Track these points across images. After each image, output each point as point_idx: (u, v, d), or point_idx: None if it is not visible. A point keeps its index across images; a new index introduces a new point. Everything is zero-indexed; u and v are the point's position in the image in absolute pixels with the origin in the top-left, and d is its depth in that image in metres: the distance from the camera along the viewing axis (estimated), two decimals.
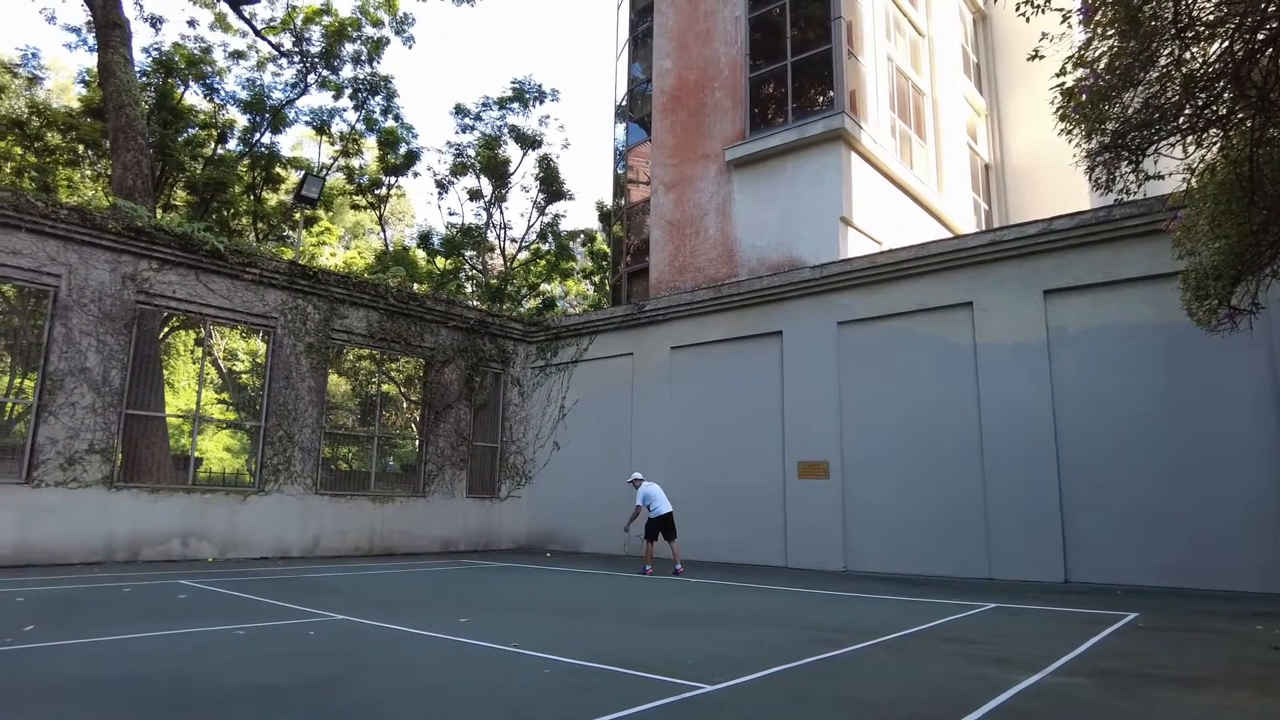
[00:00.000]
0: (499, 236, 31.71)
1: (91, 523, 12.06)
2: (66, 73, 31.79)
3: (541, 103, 29.99)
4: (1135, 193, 7.93)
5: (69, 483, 11.88)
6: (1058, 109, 6.87)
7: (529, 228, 31.93)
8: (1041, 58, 6.73)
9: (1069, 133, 7.04)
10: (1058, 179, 22.90)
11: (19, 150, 23.87)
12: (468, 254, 31.08)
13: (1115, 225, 11.38)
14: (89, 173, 25.67)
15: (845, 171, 16.99)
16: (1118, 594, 10.03)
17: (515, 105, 29.68)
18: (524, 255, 32.49)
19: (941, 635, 6.82)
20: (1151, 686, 4.90)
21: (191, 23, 29.17)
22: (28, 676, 4.73)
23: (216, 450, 33.34)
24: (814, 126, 17.18)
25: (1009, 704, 4.40)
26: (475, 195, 30.55)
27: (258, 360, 26.81)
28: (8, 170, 23.38)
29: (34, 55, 26.33)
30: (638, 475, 13.07)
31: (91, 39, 21.84)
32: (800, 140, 17.40)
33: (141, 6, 22.39)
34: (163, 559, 12.70)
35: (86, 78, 25.05)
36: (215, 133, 25.56)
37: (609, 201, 30.32)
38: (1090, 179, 7.66)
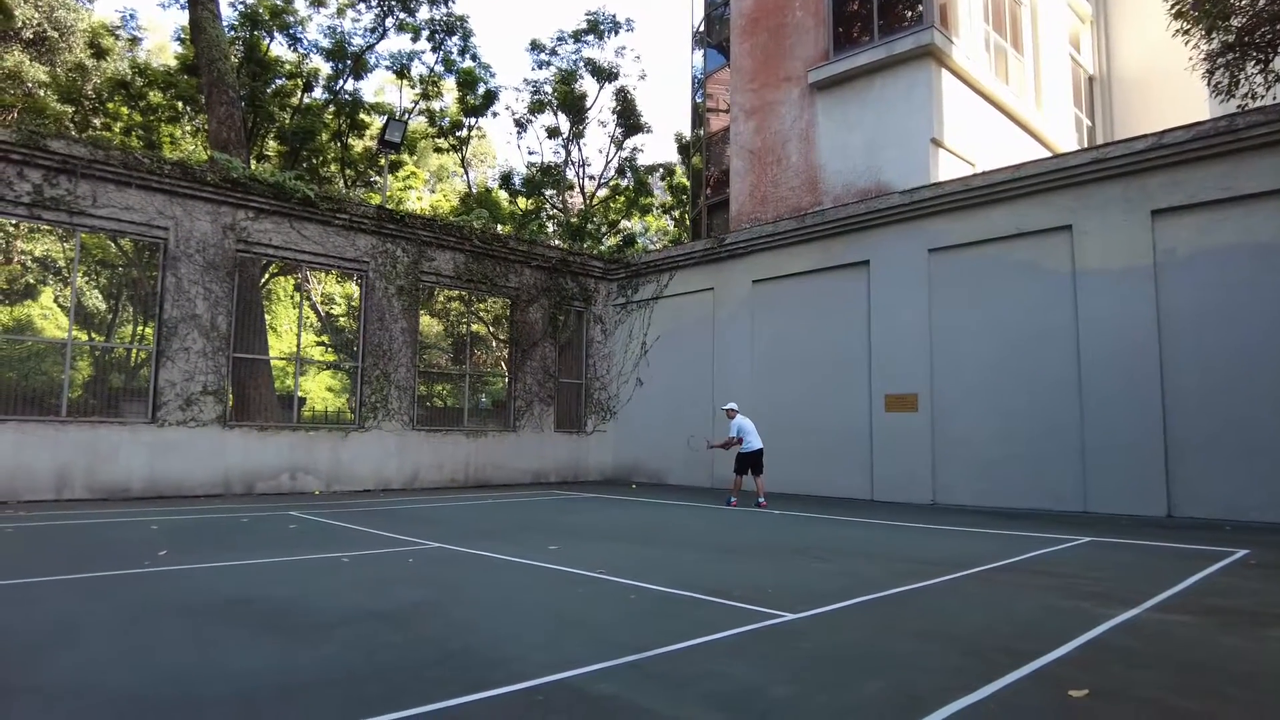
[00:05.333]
0: (578, 174, 31.62)
1: (210, 458, 12.99)
2: (163, 32, 33.03)
3: (616, 34, 29.35)
4: (1263, 97, 7.23)
5: (188, 422, 12.78)
6: (1173, 6, 6.29)
7: (607, 164, 31.67)
8: None
9: (1186, 34, 6.44)
10: (1171, 90, 21.09)
11: (125, 110, 25.07)
12: (548, 193, 31.14)
13: (1237, 135, 10.43)
14: (188, 128, 26.76)
15: (935, 90, 16.08)
16: (1226, 529, 9.55)
17: (590, 38, 29.14)
18: (603, 192, 32.36)
19: (1033, 568, 6.68)
20: (1262, 625, 4.68)
21: None
22: (164, 595, 5.20)
23: (319, 390, 35.08)
24: (902, 43, 16.25)
25: (1102, 639, 4.29)
26: (553, 133, 30.42)
27: (353, 304, 27.87)
28: (117, 130, 24.63)
29: (132, 17, 27.49)
30: (733, 405, 13.04)
31: None
32: (887, 58, 16.51)
33: None
34: (274, 492, 13.60)
35: (181, 35, 25.89)
36: (301, 82, 26.13)
37: (687, 133, 29.71)
38: (1210, 84, 7.03)
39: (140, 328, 23.42)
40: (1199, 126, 10.85)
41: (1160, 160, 11.15)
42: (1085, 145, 21.83)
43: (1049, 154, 18.81)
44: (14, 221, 13.52)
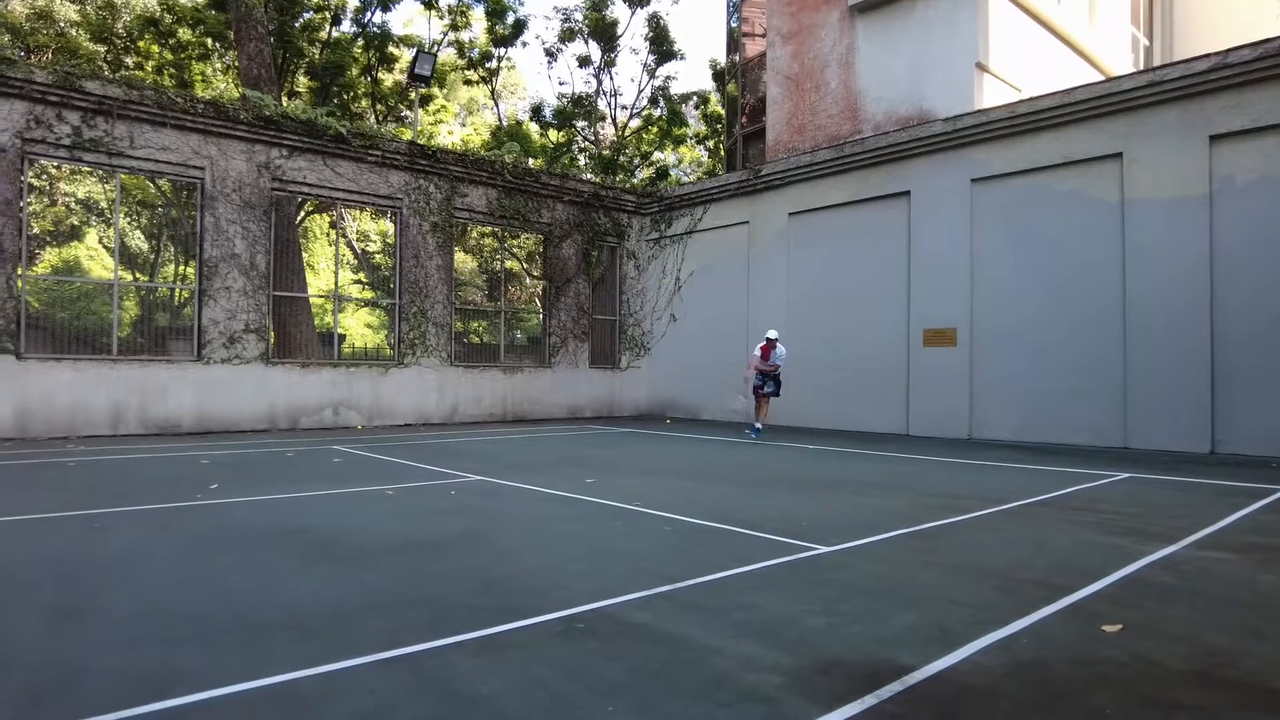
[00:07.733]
0: (609, 104, 31.02)
1: (254, 395, 13.35)
2: None
3: None
4: None
5: (232, 360, 13.11)
6: None
7: (639, 93, 31.04)
8: None
9: None
10: (1239, 5, 19.86)
11: (156, 48, 24.99)
12: (579, 125, 30.64)
13: None
14: (219, 65, 26.64)
15: (981, 11, 15.34)
16: (1273, 466, 9.39)
17: None
18: (635, 123, 31.76)
19: (1070, 504, 6.65)
20: None
21: None
22: (218, 526, 5.43)
23: (358, 327, 35.55)
24: None
25: (1138, 575, 4.28)
26: (584, 62, 29.77)
27: (388, 241, 28.01)
28: (149, 69, 24.61)
29: None
30: (775, 337, 12.98)
31: None
32: None
33: None
34: (317, 426, 13.97)
35: None
36: (329, 15, 25.74)
37: (722, 59, 28.84)
38: None
39: (182, 267, 23.86)
40: (1268, 44, 10.24)
41: (1223, 82, 10.59)
42: (1141, 67, 20.78)
43: (1101, 77, 17.96)
44: (56, 164, 13.73)
